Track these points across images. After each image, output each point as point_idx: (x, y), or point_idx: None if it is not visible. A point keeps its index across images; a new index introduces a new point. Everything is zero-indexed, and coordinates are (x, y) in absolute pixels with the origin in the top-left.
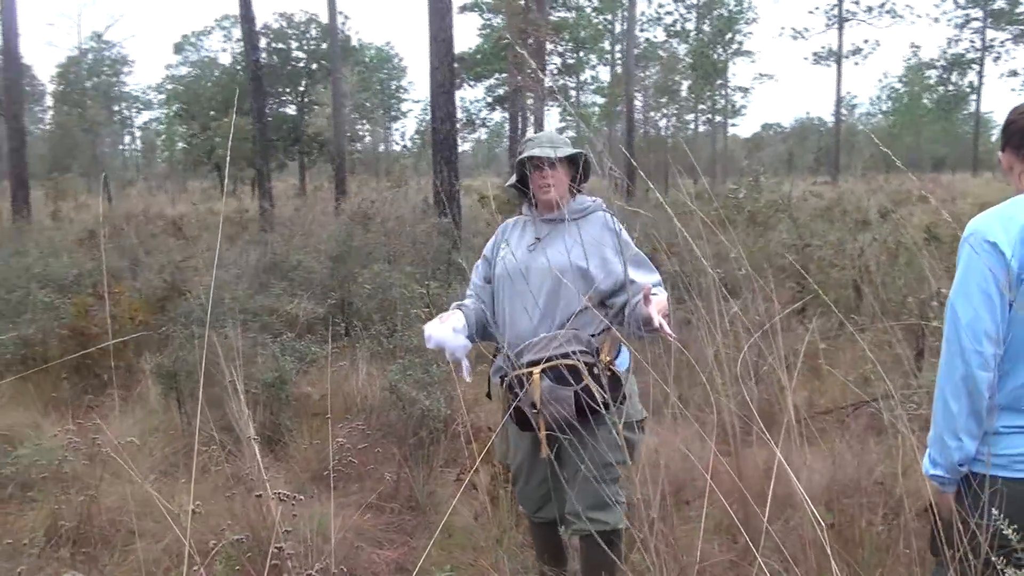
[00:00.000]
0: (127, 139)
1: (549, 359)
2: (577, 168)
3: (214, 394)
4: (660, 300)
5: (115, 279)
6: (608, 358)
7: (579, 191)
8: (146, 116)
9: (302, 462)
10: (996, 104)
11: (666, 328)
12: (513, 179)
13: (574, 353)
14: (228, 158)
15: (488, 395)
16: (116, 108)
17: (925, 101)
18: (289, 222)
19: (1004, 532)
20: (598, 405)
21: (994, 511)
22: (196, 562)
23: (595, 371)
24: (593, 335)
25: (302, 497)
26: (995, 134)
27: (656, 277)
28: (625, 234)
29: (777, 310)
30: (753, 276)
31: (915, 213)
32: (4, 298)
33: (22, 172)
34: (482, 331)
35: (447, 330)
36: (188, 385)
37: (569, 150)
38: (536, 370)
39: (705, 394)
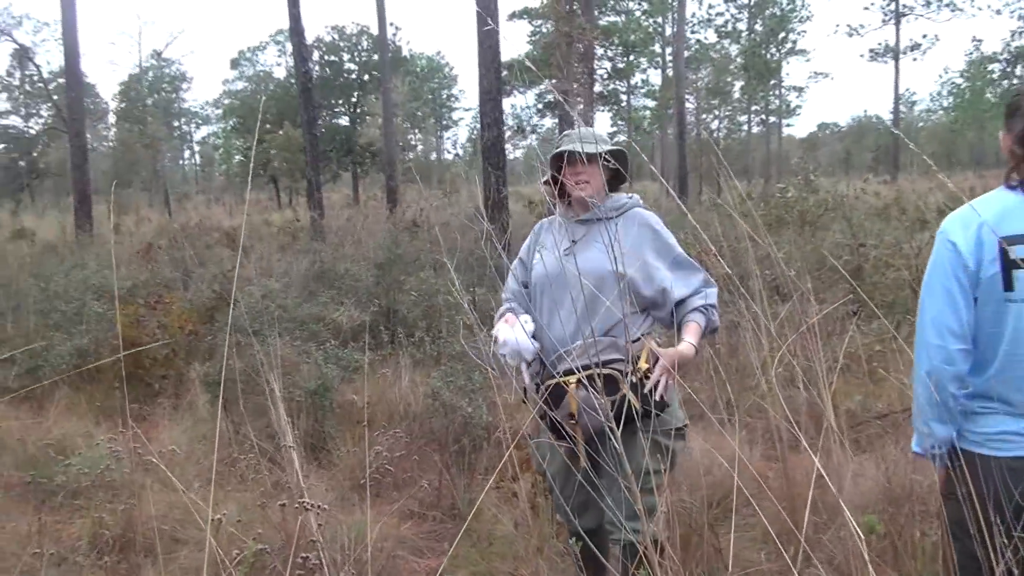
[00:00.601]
0: (186, 153)
1: (586, 367)
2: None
3: (260, 402)
4: (665, 362)
5: (168, 289)
6: (647, 365)
7: (616, 189)
8: (204, 131)
9: (345, 470)
10: None
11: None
12: (548, 175)
13: (612, 361)
14: (250, 169)
15: (524, 401)
16: (176, 124)
17: (988, 96)
18: (340, 231)
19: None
20: (635, 414)
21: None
22: (222, 571)
23: (632, 380)
24: (632, 342)
25: (326, 507)
26: None
27: (698, 279)
28: (665, 232)
29: (815, 312)
30: (792, 279)
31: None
32: (61, 310)
33: (85, 187)
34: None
35: (520, 332)
36: (234, 393)
37: (605, 146)
38: (572, 379)
39: (754, 399)
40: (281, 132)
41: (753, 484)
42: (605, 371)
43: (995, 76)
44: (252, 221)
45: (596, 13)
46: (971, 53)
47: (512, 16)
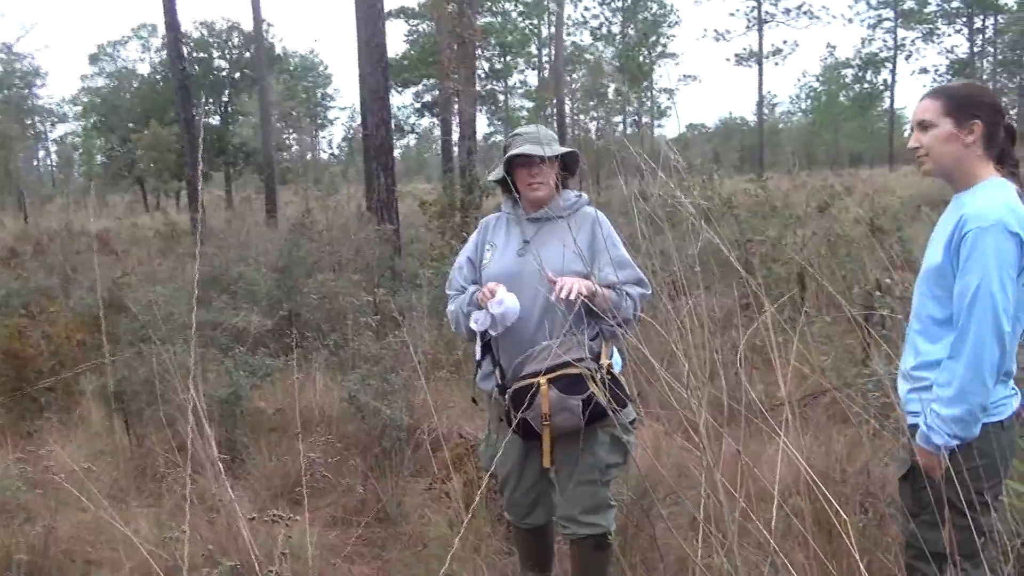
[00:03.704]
0: (41, 153)
1: (556, 367)
2: (563, 164)
3: (164, 413)
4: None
5: (47, 298)
6: (608, 361)
7: (565, 187)
8: (61, 129)
9: (262, 480)
10: (909, 100)
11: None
12: (500, 173)
13: (579, 360)
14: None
15: (473, 400)
16: (29, 122)
17: (842, 99)
18: (222, 234)
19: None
20: (606, 411)
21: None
22: None
23: (598, 377)
24: (591, 339)
25: (297, 518)
26: (908, 129)
27: (629, 275)
28: (612, 231)
29: (714, 306)
30: (702, 273)
31: (845, 207)
32: None
33: None
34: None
35: (512, 297)
36: (136, 405)
37: (560, 148)
38: (543, 380)
39: (665, 391)
40: (147, 131)
41: (675, 473)
42: (575, 371)
43: (848, 80)
44: (122, 224)
45: (474, 14)
46: (826, 59)
47: (388, 15)
